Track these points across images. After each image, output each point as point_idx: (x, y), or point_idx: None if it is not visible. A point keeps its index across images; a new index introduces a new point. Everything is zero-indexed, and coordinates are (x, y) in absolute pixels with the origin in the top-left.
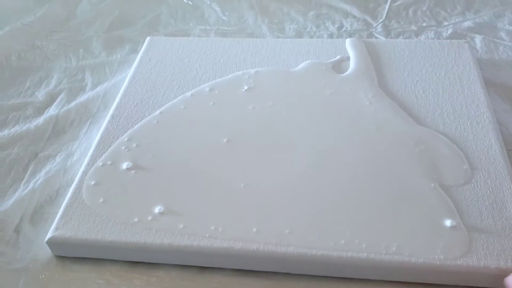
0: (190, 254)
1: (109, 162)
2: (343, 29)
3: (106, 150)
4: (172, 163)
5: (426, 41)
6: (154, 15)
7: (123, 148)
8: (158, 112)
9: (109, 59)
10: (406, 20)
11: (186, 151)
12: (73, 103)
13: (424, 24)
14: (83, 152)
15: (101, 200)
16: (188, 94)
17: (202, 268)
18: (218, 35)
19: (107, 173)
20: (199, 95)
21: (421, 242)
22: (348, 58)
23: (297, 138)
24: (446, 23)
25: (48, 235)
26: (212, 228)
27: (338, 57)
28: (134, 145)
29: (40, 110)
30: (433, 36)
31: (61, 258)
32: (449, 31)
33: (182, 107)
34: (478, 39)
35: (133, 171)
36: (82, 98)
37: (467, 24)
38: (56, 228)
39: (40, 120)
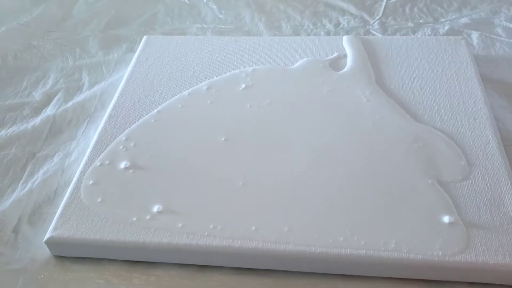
0: (189, 253)
1: (107, 162)
2: (340, 26)
3: (104, 149)
4: (170, 162)
5: (423, 37)
6: (151, 14)
7: (121, 147)
8: (155, 111)
9: (106, 59)
10: (402, 17)
11: (184, 150)
12: (70, 103)
13: (420, 21)
14: (81, 152)
15: (99, 199)
16: (185, 93)
17: (201, 267)
18: (215, 34)
19: (105, 172)
20: (196, 94)
21: (419, 238)
22: (345, 56)
23: (295, 136)
24: (442, 20)
25: (47, 235)
26: (211, 226)
27: (335, 55)
28: (132, 144)
29: (37, 110)
30: (430, 32)
31: (60, 258)
32: (446, 28)
33: (180, 106)
34: (475, 35)
35: (131, 171)
36: (79, 98)
37: (463, 20)
38: (55, 228)
39: (37, 120)
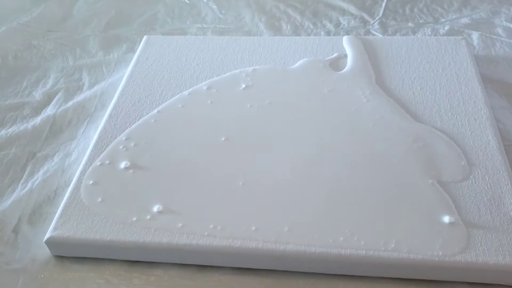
0: (189, 253)
1: (107, 162)
2: (340, 26)
3: (104, 149)
4: (170, 162)
5: (423, 38)
6: (151, 14)
7: (121, 147)
8: (155, 111)
9: (106, 59)
10: (403, 17)
11: (184, 149)
12: (70, 103)
13: (421, 21)
14: (81, 152)
15: (100, 199)
16: (185, 92)
17: (201, 267)
18: (215, 34)
19: (105, 172)
20: (196, 94)
21: (419, 238)
22: (345, 56)
23: (295, 136)
24: (443, 20)
25: (47, 235)
26: (211, 226)
27: (335, 55)
28: (132, 144)
29: (37, 110)
30: (430, 33)
31: (60, 258)
32: (446, 28)
33: (180, 105)
34: (475, 35)
35: (131, 170)
36: (79, 98)
37: (464, 20)
38: (55, 228)
39: (38, 120)
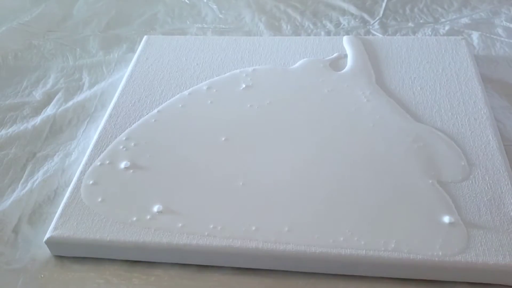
0: (189, 252)
1: (107, 162)
2: (340, 26)
3: (104, 149)
4: (171, 162)
5: (423, 38)
6: (151, 14)
7: (121, 147)
8: (156, 111)
9: (106, 58)
10: (403, 17)
11: (184, 149)
12: (70, 103)
13: (421, 21)
14: (81, 152)
15: (100, 199)
16: (185, 92)
17: (201, 267)
18: (215, 34)
19: (105, 172)
20: (196, 94)
21: (419, 238)
22: (345, 56)
23: (295, 136)
24: (443, 20)
25: (47, 235)
26: (211, 226)
27: (335, 55)
28: (132, 144)
29: (38, 109)
30: (430, 33)
31: (60, 258)
32: (446, 28)
33: (180, 105)
34: (475, 35)
35: (131, 170)
36: (79, 98)
37: (464, 20)
38: (55, 228)
39: (38, 120)
